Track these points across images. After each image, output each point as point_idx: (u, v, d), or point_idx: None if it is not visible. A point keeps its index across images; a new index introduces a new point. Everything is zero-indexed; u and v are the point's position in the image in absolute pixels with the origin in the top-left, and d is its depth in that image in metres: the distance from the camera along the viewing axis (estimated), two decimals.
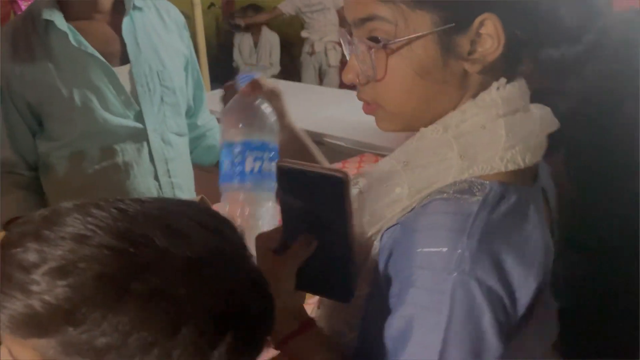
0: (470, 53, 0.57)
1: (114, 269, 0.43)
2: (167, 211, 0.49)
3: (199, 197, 0.91)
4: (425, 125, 0.62)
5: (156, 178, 1.36)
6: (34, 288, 0.42)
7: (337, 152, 2.34)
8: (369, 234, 0.62)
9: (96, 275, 0.42)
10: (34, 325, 0.43)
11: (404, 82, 0.59)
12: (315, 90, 3.70)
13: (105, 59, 1.28)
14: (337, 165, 2.10)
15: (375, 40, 0.58)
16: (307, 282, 0.62)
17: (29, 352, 0.44)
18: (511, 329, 0.54)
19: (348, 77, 0.63)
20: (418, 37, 0.56)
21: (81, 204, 0.47)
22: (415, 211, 0.58)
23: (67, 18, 1.25)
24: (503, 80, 0.60)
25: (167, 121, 1.38)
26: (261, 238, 0.63)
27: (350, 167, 2.09)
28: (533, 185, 0.62)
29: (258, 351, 0.51)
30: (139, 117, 1.32)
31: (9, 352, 0.46)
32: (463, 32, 0.56)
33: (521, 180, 0.60)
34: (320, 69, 5.00)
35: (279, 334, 0.61)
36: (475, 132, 0.59)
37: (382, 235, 0.61)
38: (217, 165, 1.53)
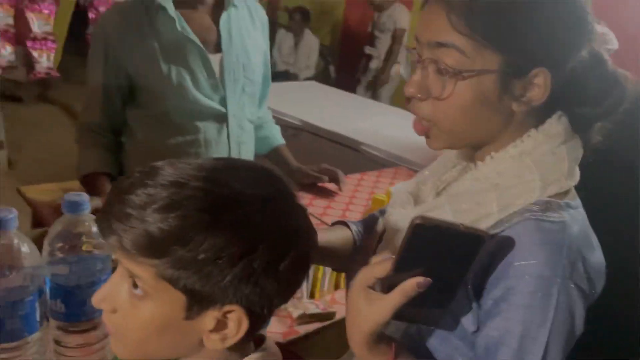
0: (521, 95, 0.69)
1: (208, 203, 0.59)
2: (235, 165, 0.66)
3: None
4: (468, 146, 0.74)
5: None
6: (149, 219, 0.57)
7: (372, 161, 2.49)
8: None
9: (197, 208, 0.58)
10: (152, 247, 0.58)
11: (464, 106, 0.69)
12: (352, 98, 3.84)
13: (203, 46, 1.43)
14: (374, 174, 2.25)
15: (445, 65, 0.67)
16: (402, 313, 0.64)
17: (147, 269, 0.59)
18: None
19: (410, 91, 0.71)
20: (487, 72, 0.67)
21: (167, 161, 0.63)
22: (507, 230, 0.68)
23: (176, 6, 1.41)
24: (560, 113, 0.72)
25: (244, 109, 1.53)
26: (369, 269, 0.66)
27: (385, 178, 2.24)
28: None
29: (308, 269, 0.67)
30: (223, 102, 1.48)
31: (129, 270, 0.61)
32: (520, 78, 0.68)
33: (574, 195, 0.73)
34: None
35: None
36: (547, 158, 0.70)
37: None
38: (267, 155, 1.70)
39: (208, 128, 1.47)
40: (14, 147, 3.79)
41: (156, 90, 1.43)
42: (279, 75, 5.24)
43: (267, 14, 1.65)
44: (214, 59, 1.46)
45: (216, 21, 1.47)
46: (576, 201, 0.72)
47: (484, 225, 0.68)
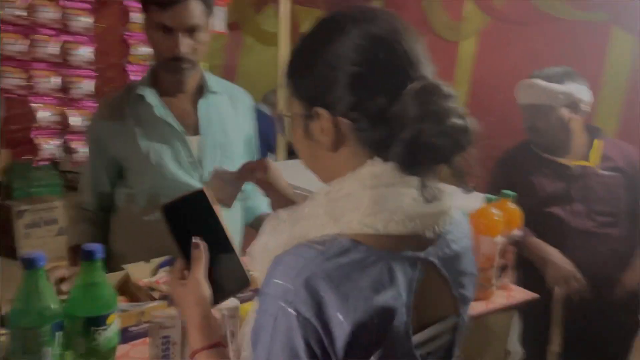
0: (317, 136, 0.76)
1: None
2: None
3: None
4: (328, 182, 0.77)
5: None
6: None
7: None
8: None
9: None
10: None
11: (298, 149, 0.82)
12: None
13: (183, 128, 1.55)
14: None
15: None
16: (218, 294, 0.82)
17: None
18: None
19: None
20: (291, 117, 0.80)
21: None
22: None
23: (160, 93, 1.56)
24: (377, 159, 0.72)
25: None
26: (172, 279, 0.84)
27: None
28: (400, 252, 0.70)
29: None
30: (202, 180, 1.57)
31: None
32: (313, 121, 0.76)
33: (381, 244, 0.69)
34: None
35: (191, 346, 0.80)
36: (344, 198, 0.71)
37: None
38: (251, 224, 1.74)
39: None
40: None
41: (137, 169, 1.54)
42: None
43: None
44: (193, 140, 1.57)
45: (196, 106, 1.59)
46: (367, 248, 0.68)
47: (278, 252, 0.73)
